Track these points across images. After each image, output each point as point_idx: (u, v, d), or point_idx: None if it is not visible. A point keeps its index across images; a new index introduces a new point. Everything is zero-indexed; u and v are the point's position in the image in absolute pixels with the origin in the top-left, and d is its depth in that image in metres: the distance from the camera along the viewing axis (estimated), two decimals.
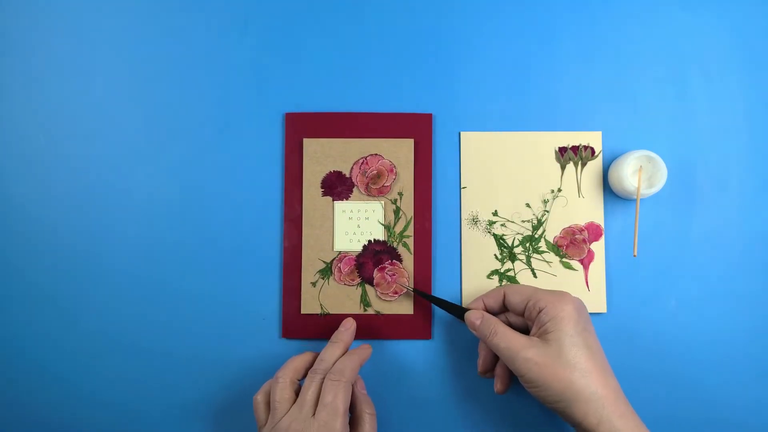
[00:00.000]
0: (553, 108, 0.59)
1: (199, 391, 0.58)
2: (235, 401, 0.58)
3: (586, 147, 0.58)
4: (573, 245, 0.58)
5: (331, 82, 0.59)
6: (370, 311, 0.57)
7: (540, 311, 0.49)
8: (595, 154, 0.58)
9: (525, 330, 0.52)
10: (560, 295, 0.49)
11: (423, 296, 0.55)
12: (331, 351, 0.52)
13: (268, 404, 0.51)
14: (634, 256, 0.56)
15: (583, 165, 0.58)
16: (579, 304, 0.49)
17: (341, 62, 0.59)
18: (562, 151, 0.58)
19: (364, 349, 0.53)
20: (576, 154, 0.58)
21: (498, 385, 0.53)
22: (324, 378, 0.49)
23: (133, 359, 0.58)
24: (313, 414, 0.48)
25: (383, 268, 0.57)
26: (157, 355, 0.58)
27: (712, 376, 0.57)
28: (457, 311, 0.54)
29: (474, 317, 0.52)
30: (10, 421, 0.58)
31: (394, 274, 0.57)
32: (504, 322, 0.52)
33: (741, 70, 0.59)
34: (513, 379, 0.54)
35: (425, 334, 0.58)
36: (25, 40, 0.60)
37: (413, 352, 0.58)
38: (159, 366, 0.58)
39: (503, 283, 0.57)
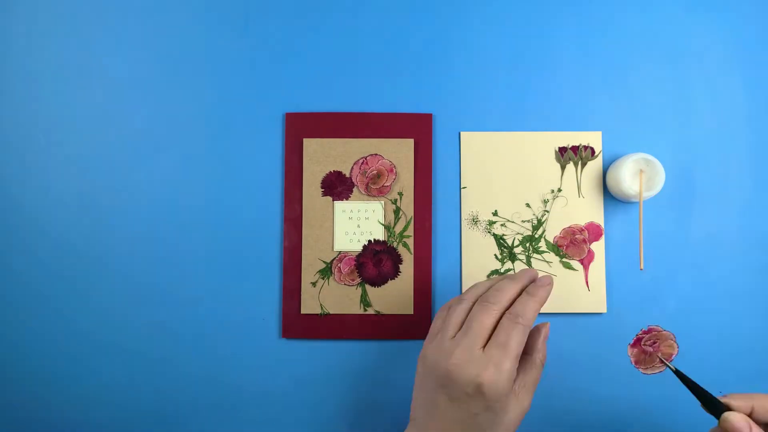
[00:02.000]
0: (552, 108, 0.59)
1: (199, 391, 0.58)
2: (236, 401, 0.58)
3: (586, 147, 0.58)
4: (573, 245, 0.58)
5: (331, 82, 0.59)
6: (370, 311, 0.57)
7: None
8: (595, 154, 0.58)
9: None
10: None
11: (681, 379, 0.46)
12: (510, 285, 0.47)
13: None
14: (641, 269, 0.56)
15: (583, 165, 0.58)
16: None
17: (341, 62, 0.59)
18: (562, 151, 0.58)
19: (544, 288, 0.47)
20: (576, 154, 0.58)
21: None
22: (500, 313, 0.45)
23: (133, 359, 0.58)
24: (482, 347, 0.44)
25: (639, 340, 0.48)
26: (156, 355, 0.58)
27: (712, 375, 0.57)
28: (712, 406, 0.44)
29: (740, 425, 0.42)
30: (10, 421, 0.58)
31: (654, 343, 0.49)
32: None
33: (741, 70, 0.59)
34: None
35: (425, 334, 0.58)
36: (25, 40, 0.60)
37: (413, 352, 0.58)
38: (159, 366, 0.58)
39: None
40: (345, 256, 0.58)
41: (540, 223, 0.58)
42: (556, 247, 0.58)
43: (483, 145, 0.59)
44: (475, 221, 0.58)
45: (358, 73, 0.59)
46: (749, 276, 0.57)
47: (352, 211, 0.58)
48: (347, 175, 0.58)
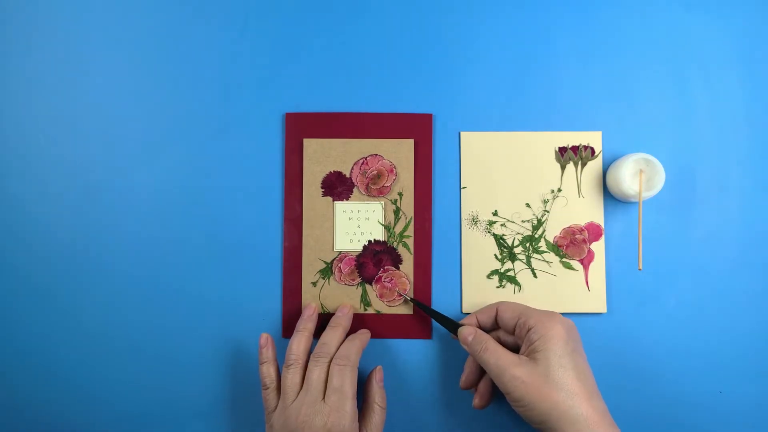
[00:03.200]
0: (553, 108, 0.59)
1: (199, 391, 0.58)
2: (236, 401, 0.58)
3: (586, 147, 0.58)
4: (573, 245, 0.58)
5: (331, 82, 0.59)
6: (370, 311, 0.57)
7: (529, 330, 0.49)
8: (595, 154, 0.58)
9: (516, 349, 0.51)
10: (550, 315, 0.49)
11: (420, 307, 0.56)
12: (331, 335, 0.53)
13: (278, 390, 0.52)
14: (639, 269, 0.56)
15: (583, 165, 0.58)
16: (569, 326, 0.49)
17: (341, 62, 0.59)
18: (562, 151, 0.58)
19: (364, 334, 0.55)
20: (576, 154, 0.58)
21: (477, 400, 0.54)
22: (329, 362, 0.51)
23: (134, 359, 0.58)
24: (323, 398, 0.50)
25: (380, 278, 0.57)
26: (157, 354, 0.58)
27: (712, 375, 0.57)
28: (451, 325, 0.54)
29: (466, 333, 0.52)
30: (10, 421, 0.58)
31: (392, 279, 0.57)
32: (496, 339, 0.52)
33: (741, 70, 0.59)
34: (493, 397, 0.54)
35: (425, 334, 0.58)
36: (25, 40, 0.59)
37: (413, 352, 0.58)
38: (159, 366, 0.58)
39: (503, 284, 0.57)
40: (345, 256, 0.58)
41: (540, 223, 0.58)
42: (556, 247, 0.58)
43: (483, 145, 0.59)
44: (475, 221, 0.58)
45: (358, 73, 0.59)
46: (749, 276, 0.57)
47: (352, 211, 0.58)
48: (347, 176, 0.58)
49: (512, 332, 0.52)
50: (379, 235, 0.58)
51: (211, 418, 0.58)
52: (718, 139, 0.58)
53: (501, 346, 0.50)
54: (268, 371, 0.53)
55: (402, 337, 0.58)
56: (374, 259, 0.58)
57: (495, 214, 0.58)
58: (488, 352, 0.49)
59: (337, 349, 0.52)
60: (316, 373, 0.51)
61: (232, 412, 0.58)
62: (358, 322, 0.57)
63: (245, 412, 0.58)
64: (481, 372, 0.55)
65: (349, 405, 0.49)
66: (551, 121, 0.59)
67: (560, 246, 0.58)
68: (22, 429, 0.58)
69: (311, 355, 0.52)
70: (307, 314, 0.55)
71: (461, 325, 0.53)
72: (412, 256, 0.58)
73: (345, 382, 0.50)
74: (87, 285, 0.58)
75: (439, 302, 0.58)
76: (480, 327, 0.54)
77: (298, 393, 0.50)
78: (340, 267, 0.58)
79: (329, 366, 0.51)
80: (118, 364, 0.58)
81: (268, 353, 0.54)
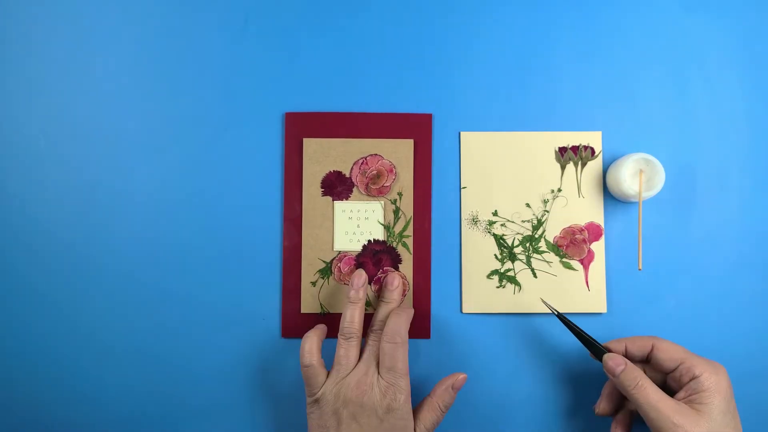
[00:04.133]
0: (553, 108, 0.59)
1: (199, 391, 0.58)
2: (236, 401, 0.58)
3: (586, 147, 0.58)
4: (573, 245, 0.58)
5: (331, 82, 0.59)
6: (369, 311, 0.57)
7: (693, 378, 0.47)
8: (595, 154, 0.58)
9: (661, 386, 0.50)
10: (716, 368, 0.48)
11: (565, 323, 0.53)
12: (383, 310, 0.54)
13: (322, 366, 0.52)
14: (639, 269, 0.56)
15: (583, 165, 0.58)
16: (729, 380, 0.48)
17: (341, 62, 0.59)
18: (562, 151, 0.58)
19: (410, 309, 0.55)
20: (576, 154, 0.58)
21: (615, 429, 0.53)
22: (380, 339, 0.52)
23: (133, 359, 0.58)
24: (378, 373, 0.50)
25: (379, 279, 0.58)
26: (156, 355, 0.58)
27: None
28: (594, 348, 0.52)
29: (615, 363, 0.49)
30: (10, 422, 0.58)
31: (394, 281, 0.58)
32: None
33: (741, 70, 0.59)
34: (631, 428, 0.54)
35: (424, 333, 0.58)
36: (25, 40, 0.60)
37: (413, 352, 0.58)
38: (159, 366, 0.58)
39: (503, 284, 0.57)
40: (345, 256, 0.58)
41: (540, 223, 0.58)
42: (556, 247, 0.58)
43: (483, 145, 0.59)
44: (475, 221, 0.58)
45: (358, 73, 0.59)
46: (749, 276, 0.57)
47: (351, 211, 0.58)
48: (347, 175, 0.58)
49: (667, 373, 0.50)
50: (379, 234, 0.58)
51: (210, 418, 0.58)
52: (718, 139, 0.58)
53: (657, 388, 0.48)
54: (311, 348, 0.52)
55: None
56: (374, 259, 0.58)
57: (495, 214, 0.58)
58: (644, 391, 0.47)
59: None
60: (374, 349, 0.52)
61: (231, 412, 0.58)
62: None
63: (245, 412, 0.58)
64: (620, 400, 0.54)
65: (404, 382, 0.50)
66: (551, 121, 0.59)
67: (560, 246, 0.58)
68: (21, 429, 0.58)
69: (368, 330, 0.54)
70: (358, 283, 0.54)
71: (606, 350, 0.51)
72: (411, 256, 0.58)
73: (397, 360, 0.50)
74: (86, 285, 0.58)
75: (439, 302, 0.58)
76: (627, 357, 0.51)
77: (353, 367, 0.51)
78: (339, 267, 0.58)
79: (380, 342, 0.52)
80: (117, 365, 0.58)
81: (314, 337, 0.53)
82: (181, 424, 0.57)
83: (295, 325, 0.57)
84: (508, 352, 0.58)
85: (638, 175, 0.54)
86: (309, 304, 0.57)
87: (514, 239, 0.58)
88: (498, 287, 0.58)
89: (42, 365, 0.58)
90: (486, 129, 0.59)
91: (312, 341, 0.52)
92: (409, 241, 0.58)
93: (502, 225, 0.58)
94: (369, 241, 0.58)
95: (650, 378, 0.50)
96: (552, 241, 0.58)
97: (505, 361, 0.58)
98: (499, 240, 0.58)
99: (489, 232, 0.58)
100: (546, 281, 0.57)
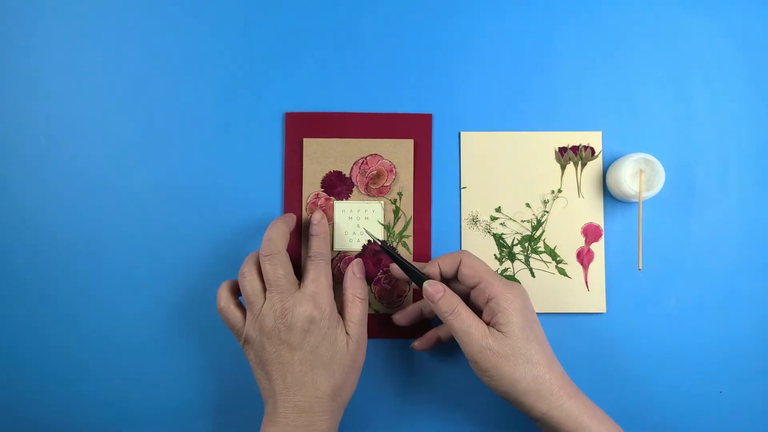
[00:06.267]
0: (553, 108, 0.59)
1: (198, 391, 0.58)
2: (235, 401, 0.58)
3: (586, 147, 0.58)
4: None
5: (331, 82, 0.59)
6: (369, 311, 0.57)
7: (489, 300, 0.49)
8: (595, 154, 0.58)
9: (465, 297, 0.52)
10: (509, 287, 0.49)
11: (386, 251, 0.54)
12: (276, 230, 0.53)
13: (238, 306, 0.52)
14: (639, 269, 0.56)
15: (583, 165, 0.58)
16: (525, 295, 0.50)
17: (341, 62, 0.59)
18: (562, 151, 0.58)
19: (291, 217, 0.56)
20: (576, 154, 0.58)
21: (419, 344, 0.55)
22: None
23: (132, 359, 0.58)
24: (298, 288, 0.51)
25: (379, 280, 0.57)
26: (156, 355, 0.58)
27: (712, 375, 0.57)
28: (416, 277, 0.52)
29: (435, 290, 0.50)
30: (9, 421, 0.58)
31: (391, 281, 0.58)
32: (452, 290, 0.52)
33: (741, 70, 0.59)
34: (436, 345, 0.56)
35: (424, 333, 0.58)
36: (25, 39, 0.60)
37: (412, 352, 0.58)
38: (158, 366, 0.58)
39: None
40: (345, 256, 0.58)
41: (539, 223, 0.58)
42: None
43: (483, 145, 0.59)
44: (475, 221, 0.58)
45: (358, 73, 0.59)
46: (749, 276, 0.57)
47: (351, 211, 0.58)
48: (347, 175, 0.58)
49: (470, 289, 0.51)
50: (379, 234, 0.58)
51: (210, 418, 0.58)
52: (718, 139, 0.58)
53: (471, 312, 0.49)
54: (221, 293, 0.53)
55: (402, 337, 0.58)
56: (374, 259, 0.58)
57: (498, 210, 0.58)
58: (458, 317, 0.49)
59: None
60: (284, 269, 0.51)
61: (231, 412, 0.58)
62: None
63: (244, 412, 0.58)
64: (422, 316, 0.56)
65: (328, 293, 0.51)
66: (551, 121, 0.59)
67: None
68: (21, 429, 0.58)
69: (263, 258, 0.52)
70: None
71: (427, 278, 0.51)
72: (411, 256, 0.58)
73: (320, 273, 0.51)
74: (85, 284, 0.58)
75: None
76: (441, 275, 0.52)
77: (263, 298, 0.51)
78: (339, 267, 0.58)
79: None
80: (117, 364, 0.58)
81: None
82: (180, 422, 0.57)
83: None
84: None
85: (638, 175, 0.54)
86: None
87: (513, 239, 0.58)
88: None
89: (41, 363, 0.58)
90: (486, 129, 0.59)
91: (224, 287, 0.53)
92: (409, 241, 0.58)
93: (501, 224, 0.58)
94: (369, 241, 0.58)
95: (457, 291, 0.51)
96: (551, 246, 0.58)
97: None
98: (499, 240, 0.58)
99: (489, 232, 0.58)
100: (545, 281, 0.57)
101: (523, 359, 0.47)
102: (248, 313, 0.51)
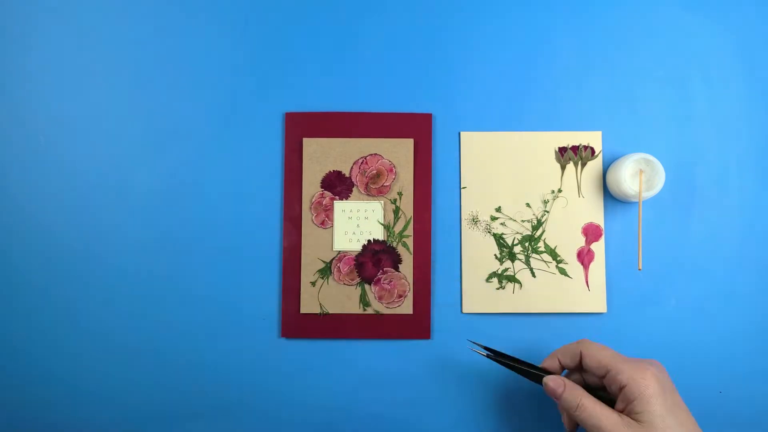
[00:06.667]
0: (553, 108, 0.59)
1: (198, 391, 0.58)
2: (235, 400, 0.58)
3: (586, 147, 0.58)
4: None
5: (331, 82, 0.59)
6: (369, 311, 0.57)
7: (622, 387, 0.46)
8: (595, 154, 0.58)
9: (603, 388, 0.49)
10: (642, 370, 0.46)
11: (498, 359, 0.52)
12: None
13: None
14: (639, 269, 0.56)
15: (583, 165, 0.58)
16: (661, 375, 0.47)
17: (341, 62, 0.59)
18: (562, 151, 0.58)
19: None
20: (576, 154, 0.58)
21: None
22: None
23: (132, 359, 0.58)
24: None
25: (379, 280, 0.57)
26: (156, 354, 0.58)
27: (712, 375, 0.57)
28: (534, 376, 0.50)
29: (555, 384, 0.48)
30: (9, 421, 0.58)
31: (391, 281, 0.58)
32: (580, 381, 0.50)
33: (741, 70, 0.59)
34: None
35: (424, 334, 0.58)
36: (25, 39, 0.60)
37: (413, 352, 0.58)
38: (158, 366, 0.58)
39: (503, 284, 0.57)
40: (344, 256, 0.58)
41: (540, 223, 0.58)
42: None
43: (483, 145, 0.59)
44: (475, 221, 0.58)
45: (358, 73, 0.59)
46: (749, 276, 0.57)
47: (351, 210, 0.58)
48: (347, 175, 0.58)
49: (601, 379, 0.49)
50: (379, 234, 0.58)
51: (209, 418, 0.58)
52: (718, 139, 0.58)
53: (598, 402, 0.47)
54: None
55: (402, 338, 0.58)
56: (373, 259, 0.58)
57: (498, 210, 0.58)
58: (586, 411, 0.46)
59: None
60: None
61: (230, 412, 0.58)
62: (357, 321, 0.57)
63: (244, 412, 0.57)
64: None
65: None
66: (551, 121, 0.59)
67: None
68: (21, 429, 0.58)
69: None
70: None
71: (546, 373, 0.50)
72: (411, 256, 0.58)
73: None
74: (85, 284, 0.58)
75: (439, 302, 0.58)
76: (562, 367, 0.50)
77: None
78: (339, 266, 0.58)
79: None
80: (116, 364, 0.58)
81: None
82: (179, 422, 0.57)
83: (294, 324, 0.57)
84: (508, 352, 0.58)
85: (638, 175, 0.54)
86: (308, 304, 0.57)
87: (513, 239, 0.58)
88: (498, 288, 0.57)
89: (39, 362, 0.58)
90: (486, 129, 0.59)
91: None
92: (409, 241, 0.58)
93: (502, 224, 0.58)
94: (369, 240, 0.58)
95: (592, 385, 0.49)
96: (551, 246, 0.58)
97: None
98: (499, 240, 0.58)
99: (489, 231, 0.58)
100: (546, 281, 0.57)
101: None
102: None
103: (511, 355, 0.52)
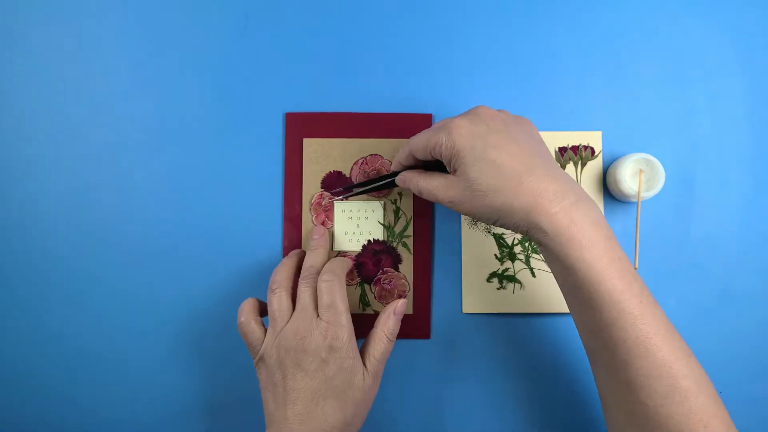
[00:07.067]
0: (553, 108, 0.59)
1: (198, 391, 0.58)
2: (235, 401, 0.58)
3: (586, 147, 0.58)
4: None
5: (331, 82, 0.59)
6: (369, 311, 0.57)
7: (441, 154, 0.47)
8: (595, 154, 0.58)
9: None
10: (448, 130, 0.46)
11: (354, 192, 0.55)
12: (314, 256, 0.53)
13: (259, 323, 0.51)
14: (635, 268, 0.56)
15: (583, 165, 0.58)
16: (474, 121, 0.46)
17: (341, 62, 0.59)
18: (562, 151, 0.58)
19: (346, 259, 0.55)
20: (576, 154, 0.58)
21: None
22: (316, 282, 0.50)
23: (132, 359, 0.58)
24: (317, 316, 0.49)
25: (379, 280, 0.57)
26: (156, 355, 0.58)
27: (712, 375, 0.57)
28: (390, 182, 0.54)
29: (399, 182, 0.53)
30: (9, 421, 0.58)
31: (391, 282, 0.58)
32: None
33: (741, 70, 0.59)
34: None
35: (424, 334, 0.58)
36: (25, 39, 0.60)
37: (412, 352, 0.58)
38: (158, 366, 0.58)
39: (503, 284, 0.57)
40: (345, 256, 0.58)
41: None
42: None
43: None
44: (475, 221, 0.58)
45: (358, 73, 0.59)
46: (749, 276, 0.57)
47: (351, 210, 0.58)
48: (347, 175, 0.58)
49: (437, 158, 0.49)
50: (379, 234, 0.58)
51: (209, 418, 0.58)
52: (718, 139, 0.58)
53: (430, 176, 0.49)
54: (245, 308, 0.52)
55: (402, 338, 0.58)
56: (374, 259, 0.58)
57: None
58: (424, 192, 0.49)
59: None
60: (308, 294, 0.50)
61: (231, 412, 0.58)
62: (358, 322, 0.57)
63: (244, 412, 0.58)
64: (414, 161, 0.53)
65: (344, 318, 0.48)
66: (551, 121, 0.59)
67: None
68: (21, 430, 0.58)
69: (299, 279, 0.52)
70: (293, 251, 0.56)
71: (396, 174, 0.53)
72: (411, 256, 0.58)
73: (335, 296, 0.49)
74: (84, 284, 0.58)
75: (439, 302, 0.58)
76: (414, 166, 0.52)
77: (289, 317, 0.49)
78: None
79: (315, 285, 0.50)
80: (116, 364, 0.58)
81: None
82: (180, 422, 0.57)
83: None
84: (508, 353, 0.58)
85: (638, 175, 0.54)
86: None
87: (513, 239, 0.58)
88: (499, 288, 0.58)
89: (40, 364, 0.58)
90: None
91: (249, 302, 0.52)
92: (410, 241, 0.58)
93: None
94: (369, 241, 0.58)
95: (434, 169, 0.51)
96: None
97: (506, 362, 0.58)
98: (499, 240, 0.58)
99: (489, 232, 0.58)
100: (546, 281, 0.57)
101: (481, 195, 0.45)
102: (269, 330, 0.50)
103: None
